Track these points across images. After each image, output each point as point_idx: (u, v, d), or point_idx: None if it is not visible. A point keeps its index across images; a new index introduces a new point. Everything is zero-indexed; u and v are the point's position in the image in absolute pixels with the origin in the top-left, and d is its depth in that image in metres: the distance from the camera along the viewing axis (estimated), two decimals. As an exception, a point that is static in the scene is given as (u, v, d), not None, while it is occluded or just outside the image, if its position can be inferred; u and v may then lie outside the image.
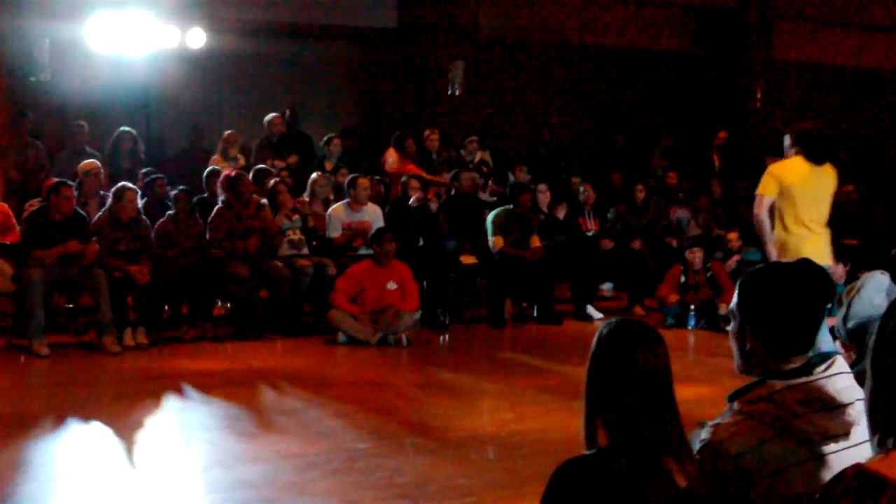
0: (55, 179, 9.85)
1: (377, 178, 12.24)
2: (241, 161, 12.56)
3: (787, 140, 8.02)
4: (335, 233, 10.93)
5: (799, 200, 7.71)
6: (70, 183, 9.62)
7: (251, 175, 11.09)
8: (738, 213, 13.05)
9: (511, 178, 13.55)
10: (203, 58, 13.51)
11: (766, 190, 7.76)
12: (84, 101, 12.57)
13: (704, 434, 2.71)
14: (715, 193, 13.89)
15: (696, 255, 11.41)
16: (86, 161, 10.78)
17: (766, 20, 17.64)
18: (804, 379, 2.67)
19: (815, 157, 7.72)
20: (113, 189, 9.83)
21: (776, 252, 7.85)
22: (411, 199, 11.55)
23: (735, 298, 2.80)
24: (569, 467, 2.58)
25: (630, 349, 2.65)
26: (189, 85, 13.67)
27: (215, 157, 12.53)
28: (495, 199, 12.81)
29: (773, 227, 7.76)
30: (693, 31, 17.80)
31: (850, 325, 3.60)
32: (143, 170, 11.76)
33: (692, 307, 11.14)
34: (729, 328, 2.91)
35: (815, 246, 7.69)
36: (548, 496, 2.57)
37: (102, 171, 10.76)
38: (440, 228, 11.41)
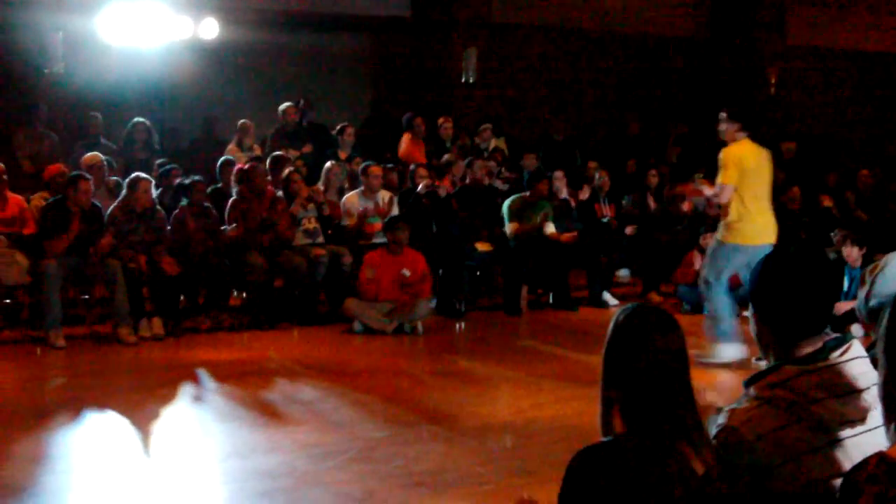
0: (67, 172, 9.87)
1: (390, 165, 12.24)
2: (258, 151, 12.56)
3: (726, 120, 8.19)
4: (349, 221, 10.93)
5: (756, 181, 8.11)
6: (87, 176, 9.60)
7: (268, 162, 11.11)
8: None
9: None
10: (216, 48, 13.48)
11: (730, 179, 8.07)
12: (98, 93, 12.56)
13: (720, 419, 2.70)
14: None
15: (709, 241, 11.36)
16: (88, 154, 10.78)
17: (780, 5, 17.55)
18: (820, 364, 2.65)
19: (760, 139, 8.11)
20: (127, 180, 9.86)
21: (728, 229, 8.09)
22: (419, 187, 11.52)
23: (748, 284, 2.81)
24: (586, 455, 2.57)
25: (646, 335, 2.64)
26: (203, 75, 13.64)
27: (231, 146, 12.52)
28: (508, 186, 12.78)
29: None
30: (707, 17, 17.72)
31: (873, 303, 3.58)
32: (158, 160, 11.79)
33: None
34: (746, 313, 2.92)
35: (766, 224, 8.02)
36: (566, 484, 2.57)
37: (106, 163, 10.77)
38: (452, 215, 11.38)
